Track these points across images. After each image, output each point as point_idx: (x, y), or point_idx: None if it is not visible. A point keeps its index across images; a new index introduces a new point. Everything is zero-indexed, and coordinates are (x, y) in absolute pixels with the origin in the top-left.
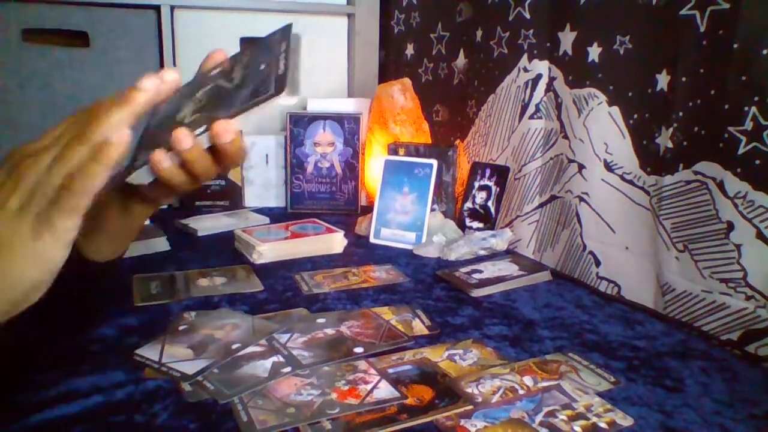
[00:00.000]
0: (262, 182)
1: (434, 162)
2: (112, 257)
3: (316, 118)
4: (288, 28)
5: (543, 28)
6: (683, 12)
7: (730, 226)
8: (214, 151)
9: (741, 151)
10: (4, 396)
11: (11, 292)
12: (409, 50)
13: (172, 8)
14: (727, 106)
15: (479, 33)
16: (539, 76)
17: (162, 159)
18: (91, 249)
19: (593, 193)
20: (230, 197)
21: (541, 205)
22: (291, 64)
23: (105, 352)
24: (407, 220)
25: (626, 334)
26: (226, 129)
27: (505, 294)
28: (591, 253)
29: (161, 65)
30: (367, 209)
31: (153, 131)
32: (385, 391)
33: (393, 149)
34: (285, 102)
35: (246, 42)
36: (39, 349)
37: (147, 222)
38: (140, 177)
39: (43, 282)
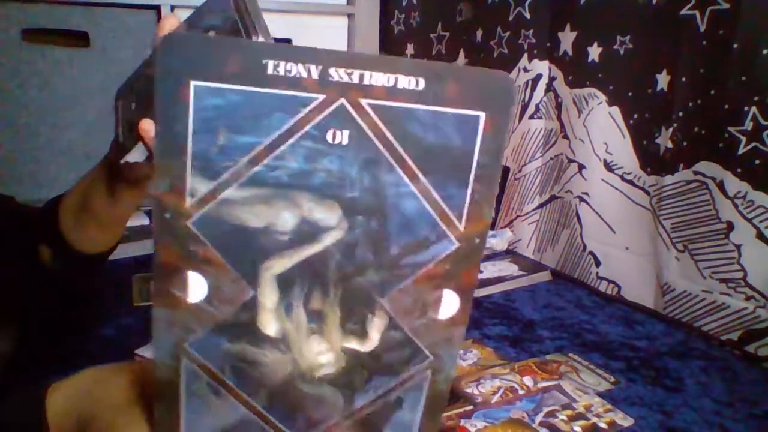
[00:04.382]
0: None
1: None
2: (105, 248)
3: None
4: None
5: (543, 28)
6: (683, 12)
7: (730, 226)
8: None
9: (741, 151)
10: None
11: None
12: (409, 50)
13: (173, 8)
14: (727, 106)
15: (479, 33)
16: (539, 76)
17: (149, 128)
18: (82, 240)
19: (593, 193)
20: None
21: (541, 205)
22: (250, 8)
23: (104, 352)
24: None
25: (626, 335)
26: None
27: (505, 294)
28: (591, 253)
29: None
30: None
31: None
32: None
33: None
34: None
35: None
36: (39, 350)
37: (146, 222)
38: (134, 157)
39: None
